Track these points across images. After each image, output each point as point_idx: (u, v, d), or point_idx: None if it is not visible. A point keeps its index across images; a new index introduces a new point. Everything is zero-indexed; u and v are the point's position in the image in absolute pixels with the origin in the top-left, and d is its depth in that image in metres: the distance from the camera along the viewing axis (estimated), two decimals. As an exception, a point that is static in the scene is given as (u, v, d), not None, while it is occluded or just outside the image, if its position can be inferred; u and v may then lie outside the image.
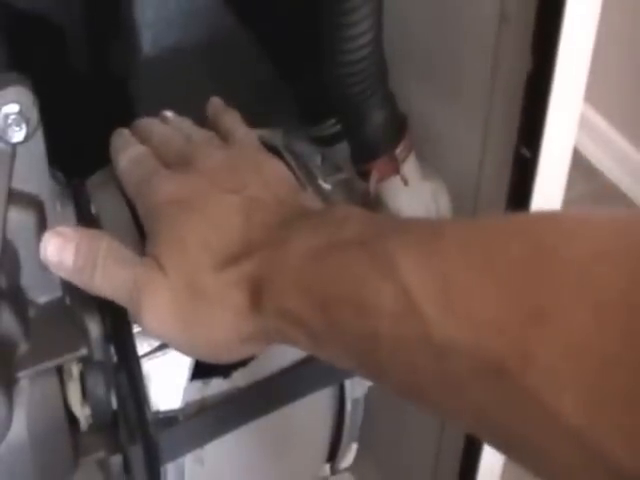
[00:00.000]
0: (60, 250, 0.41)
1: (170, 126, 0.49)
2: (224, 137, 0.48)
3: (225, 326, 0.39)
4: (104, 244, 0.42)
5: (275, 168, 0.45)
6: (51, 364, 0.42)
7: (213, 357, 0.42)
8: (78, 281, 0.42)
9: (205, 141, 0.47)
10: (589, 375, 0.27)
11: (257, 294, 0.38)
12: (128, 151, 0.47)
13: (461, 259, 0.32)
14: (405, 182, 0.53)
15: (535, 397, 0.28)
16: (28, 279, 0.42)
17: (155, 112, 0.51)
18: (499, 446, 0.33)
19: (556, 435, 0.28)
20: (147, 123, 0.49)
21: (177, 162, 0.45)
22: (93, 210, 0.49)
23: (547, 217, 0.33)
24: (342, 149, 0.55)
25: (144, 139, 0.48)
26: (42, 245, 0.41)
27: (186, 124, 0.50)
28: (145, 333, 0.43)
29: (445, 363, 0.31)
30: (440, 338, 0.31)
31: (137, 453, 0.43)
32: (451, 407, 0.33)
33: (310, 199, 0.45)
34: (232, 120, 0.49)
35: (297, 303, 0.36)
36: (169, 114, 0.51)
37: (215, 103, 0.51)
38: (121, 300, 0.41)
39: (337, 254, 0.36)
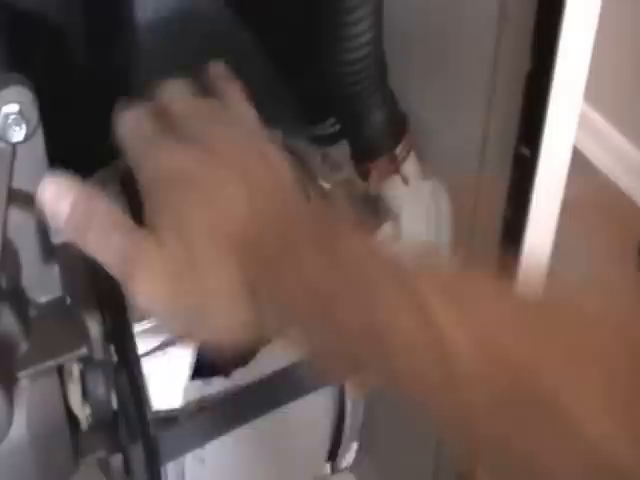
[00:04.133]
0: (56, 201, 0.40)
1: (176, 103, 0.46)
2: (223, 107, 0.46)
3: (217, 304, 0.39)
4: (103, 205, 0.41)
5: (276, 153, 0.45)
6: (51, 364, 0.42)
7: (198, 332, 0.41)
8: (71, 236, 0.41)
9: (208, 119, 0.45)
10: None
11: (254, 277, 0.38)
12: (137, 129, 0.45)
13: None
14: (405, 181, 0.53)
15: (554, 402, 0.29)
16: (28, 279, 0.42)
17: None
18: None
19: (571, 447, 0.29)
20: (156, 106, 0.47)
21: (182, 140, 0.44)
22: (93, 210, 0.49)
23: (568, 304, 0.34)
24: (342, 148, 0.55)
25: (155, 120, 0.45)
26: (39, 190, 0.40)
27: (188, 96, 0.46)
28: (132, 301, 0.42)
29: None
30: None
31: (137, 452, 0.43)
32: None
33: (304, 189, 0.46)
34: (232, 92, 0.47)
35: (293, 290, 0.37)
36: (173, 83, 0.47)
37: (217, 68, 0.48)
38: (111, 266, 0.40)
39: (346, 255, 0.37)
